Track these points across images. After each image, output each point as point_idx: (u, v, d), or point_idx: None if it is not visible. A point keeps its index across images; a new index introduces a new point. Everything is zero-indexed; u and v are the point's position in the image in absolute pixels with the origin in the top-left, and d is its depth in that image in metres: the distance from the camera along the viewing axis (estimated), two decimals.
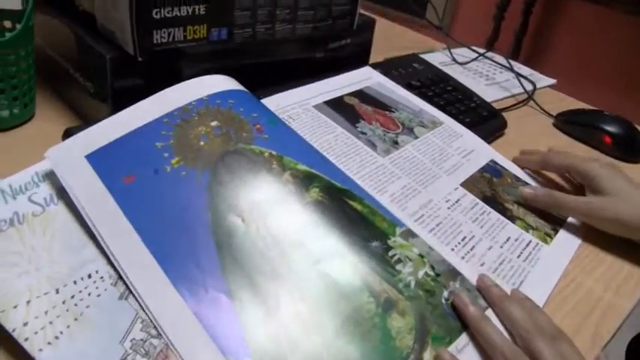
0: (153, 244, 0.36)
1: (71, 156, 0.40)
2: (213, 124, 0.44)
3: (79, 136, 0.42)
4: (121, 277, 0.36)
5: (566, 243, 0.52)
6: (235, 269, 0.36)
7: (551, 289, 0.45)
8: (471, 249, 0.46)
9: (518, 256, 0.47)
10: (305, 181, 0.43)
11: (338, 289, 0.37)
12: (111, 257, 0.36)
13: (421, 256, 0.41)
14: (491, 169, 0.58)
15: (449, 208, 0.50)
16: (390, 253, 0.40)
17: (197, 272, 0.36)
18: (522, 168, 0.61)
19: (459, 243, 0.47)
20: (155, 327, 0.34)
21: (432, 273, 0.40)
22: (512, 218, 0.52)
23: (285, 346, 0.34)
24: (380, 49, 0.78)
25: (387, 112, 0.60)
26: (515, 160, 0.62)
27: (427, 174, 0.54)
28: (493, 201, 0.53)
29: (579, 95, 0.87)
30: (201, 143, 0.42)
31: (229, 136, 0.44)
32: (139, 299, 0.35)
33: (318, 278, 0.37)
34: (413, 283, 0.39)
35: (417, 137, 0.58)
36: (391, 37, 0.99)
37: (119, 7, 0.47)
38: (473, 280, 0.42)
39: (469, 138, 0.62)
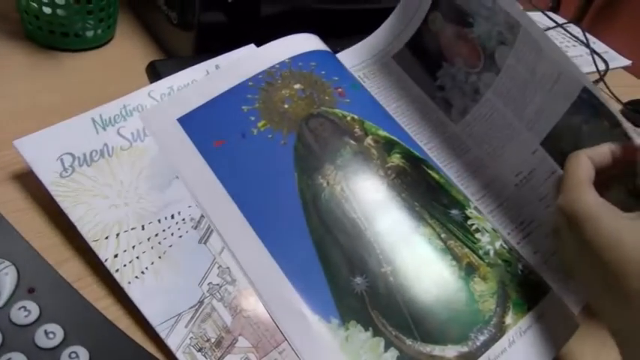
0: (244, 205, 0.38)
1: (164, 119, 0.41)
2: (297, 86, 0.44)
3: (170, 99, 0.43)
4: (200, 221, 0.38)
5: None
6: (320, 228, 0.39)
7: None
8: (527, 235, 0.47)
9: None
10: (386, 146, 0.44)
11: (421, 251, 0.39)
12: (205, 216, 0.38)
13: (494, 230, 0.43)
14: (584, 107, 0.44)
15: (516, 185, 0.48)
16: (469, 222, 0.42)
17: (284, 229, 0.38)
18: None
19: (516, 227, 0.47)
20: (230, 274, 0.37)
21: (505, 246, 0.43)
22: None
23: (370, 306, 0.36)
24: None
25: (466, 32, 0.51)
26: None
27: (504, 134, 0.49)
28: None
29: None
30: (286, 106, 0.43)
31: (313, 99, 0.44)
32: (231, 253, 0.37)
33: (402, 241, 0.39)
34: (492, 252, 0.41)
35: (499, 70, 0.50)
36: None
37: None
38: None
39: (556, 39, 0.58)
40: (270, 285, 0.36)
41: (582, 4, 1.61)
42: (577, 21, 1.65)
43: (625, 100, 0.74)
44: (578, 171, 0.37)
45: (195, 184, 0.39)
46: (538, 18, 0.90)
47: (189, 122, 0.41)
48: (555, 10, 1.10)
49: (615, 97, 0.76)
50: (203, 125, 0.41)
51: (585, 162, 0.37)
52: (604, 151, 0.38)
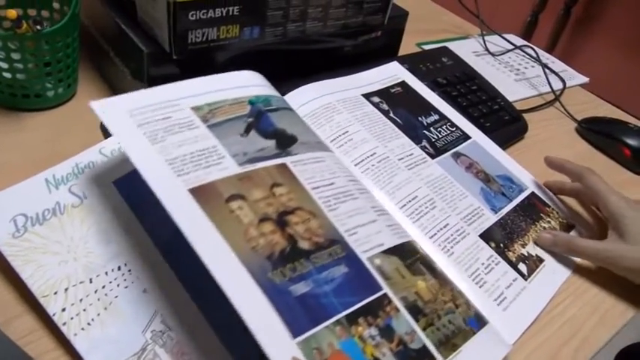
0: (175, 264, 0.41)
1: (101, 182, 0.44)
2: None
3: (108, 161, 0.45)
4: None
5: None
6: None
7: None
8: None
9: None
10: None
11: None
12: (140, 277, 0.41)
13: None
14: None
15: None
16: None
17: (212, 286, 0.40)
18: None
19: None
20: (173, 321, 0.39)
21: None
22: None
23: None
24: (414, 31, 0.78)
25: None
26: (547, 184, 0.61)
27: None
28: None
29: (613, 97, 0.86)
30: None
31: None
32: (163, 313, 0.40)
33: None
34: None
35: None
36: (427, 17, 0.98)
37: (158, 7, 0.50)
38: None
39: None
40: (201, 343, 0.38)
41: (556, 29, 1.65)
42: (552, 45, 1.67)
43: (580, 118, 0.77)
44: None
45: (129, 247, 0.42)
46: (496, 41, 0.93)
47: (124, 185, 0.44)
48: (530, 33, 1.13)
49: (571, 115, 0.78)
50: (137, 188, 0.43)
51: None
52: None
